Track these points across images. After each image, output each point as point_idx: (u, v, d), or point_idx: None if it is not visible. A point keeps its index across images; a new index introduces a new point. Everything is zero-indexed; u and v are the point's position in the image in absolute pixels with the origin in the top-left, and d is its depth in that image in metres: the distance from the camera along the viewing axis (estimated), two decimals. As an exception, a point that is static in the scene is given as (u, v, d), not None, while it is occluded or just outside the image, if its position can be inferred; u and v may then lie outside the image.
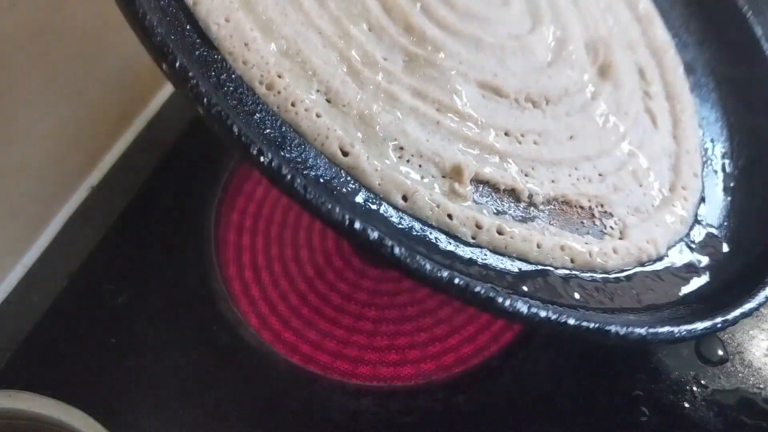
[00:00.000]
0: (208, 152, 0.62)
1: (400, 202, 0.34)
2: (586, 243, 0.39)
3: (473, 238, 0.35)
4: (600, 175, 0.42)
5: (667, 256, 0.42)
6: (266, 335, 0.52)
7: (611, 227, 0.41)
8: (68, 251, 0.57)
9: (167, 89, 0.67)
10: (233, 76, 0.34)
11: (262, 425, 0.45)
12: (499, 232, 0.36)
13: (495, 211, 0.37)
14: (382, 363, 0.51)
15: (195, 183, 0.61)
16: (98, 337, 0.51)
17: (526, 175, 0.39)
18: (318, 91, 0.35)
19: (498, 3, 0.45)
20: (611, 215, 0.41)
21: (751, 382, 0.48)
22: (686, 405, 0.47)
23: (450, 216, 0.35)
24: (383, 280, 0.56)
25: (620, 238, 0.40)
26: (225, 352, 0.50)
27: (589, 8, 0.51)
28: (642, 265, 0.41)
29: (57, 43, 0.51)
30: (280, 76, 0.34)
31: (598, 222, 0.41)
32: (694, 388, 0.48)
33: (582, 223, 0.40)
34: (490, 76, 0.41)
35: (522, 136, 0.40)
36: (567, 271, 0.37)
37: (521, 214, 0.38)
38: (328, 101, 0.35)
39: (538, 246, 0.37)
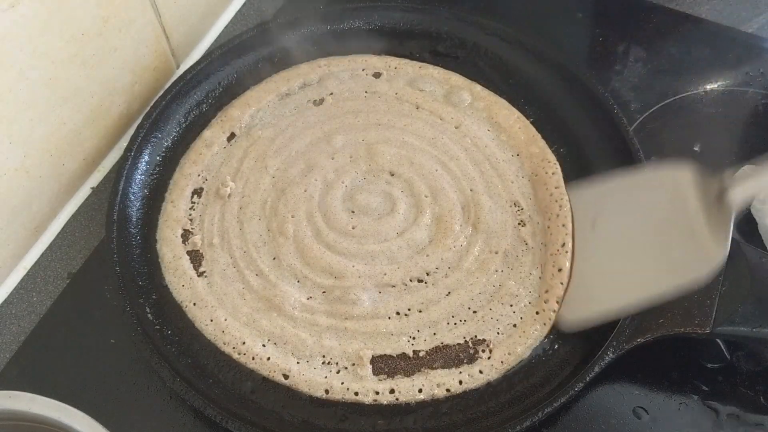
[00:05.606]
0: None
1: (324, 396, 0.47)
2: (460, 372, 0.48)
3: (374, 401, 0.47)
4: (474, 312, 0.50)
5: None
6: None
7: (482, 351, 0.49)
8: (68, 251, 0.57)
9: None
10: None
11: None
12: (391, 392, 0.47)
13: (388, 375, 0.48)
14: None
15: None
16: (98, 337, 0.51)
17: (413, 338, 0.49)
18: (269, 341, 0.50)
19: (388, 210, 0.55)
20: (483, 341, 0.49)
21: (750, 381, 0.48)
22: (686, 405, 0.47)
23: (356, 393, 0.47)
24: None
25: (488, 358, 0.48)
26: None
27: (460, 168, 0.57)
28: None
29: (57, 43, 0.51)
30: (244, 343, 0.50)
31: (471, 350, 0.49)
32: (694, 388, 0.48)
33: (458, 356, 0.49)
34: (381, 276, 0.52)
35: (408, 310, 0.51)
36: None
37: (410, 368, 0.48)
38: (275, 344, 0.49)
39: (420, 390, 0.47)
